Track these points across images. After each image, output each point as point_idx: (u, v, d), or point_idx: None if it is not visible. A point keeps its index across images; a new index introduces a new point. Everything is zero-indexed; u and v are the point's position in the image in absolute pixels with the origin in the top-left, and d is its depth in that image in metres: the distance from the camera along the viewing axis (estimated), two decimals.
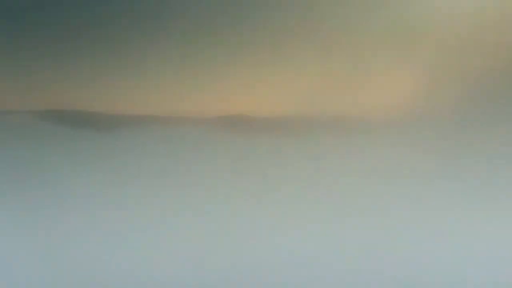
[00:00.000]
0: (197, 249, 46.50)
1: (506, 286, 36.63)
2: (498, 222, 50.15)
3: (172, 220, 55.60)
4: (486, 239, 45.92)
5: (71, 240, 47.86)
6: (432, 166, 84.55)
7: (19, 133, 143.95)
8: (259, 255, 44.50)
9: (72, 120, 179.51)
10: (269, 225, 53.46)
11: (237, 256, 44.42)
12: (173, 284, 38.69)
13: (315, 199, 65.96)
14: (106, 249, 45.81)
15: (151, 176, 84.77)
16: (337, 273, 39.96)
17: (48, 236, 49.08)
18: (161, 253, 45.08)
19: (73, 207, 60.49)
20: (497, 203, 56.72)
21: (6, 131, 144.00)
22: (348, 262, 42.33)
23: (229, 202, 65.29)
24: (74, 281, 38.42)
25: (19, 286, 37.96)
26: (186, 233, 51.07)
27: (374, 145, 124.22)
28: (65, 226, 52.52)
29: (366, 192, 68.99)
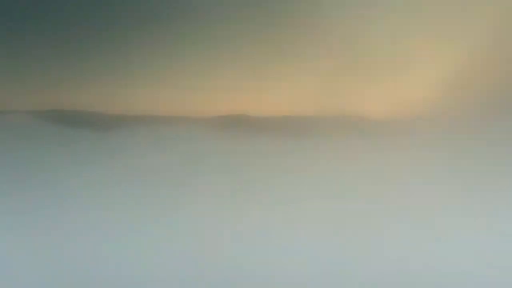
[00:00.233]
0: (197, 249, 46.48)
1: None
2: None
3: (172, 220, 55.58)
4: (500, 241, 45.66)
5: (71, 240, 47.82)
6: (436, 167, 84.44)
7: (19, 133, 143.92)
8: (259, 255, 44.47)
9: (72, 120, 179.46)
10: (269, 225, 53.41)
11: (237, 256, 44.40)
12: (173, 284, 38.65)
13: (315, 199, 65.91)
14: (106, 249, 45.78)
15: (152, 176, 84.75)
16: (338, 273, 39.93)
17: (48, 236, 49.05)
18: (162, 253, 45.04)
19: (73, 207, 60.45)
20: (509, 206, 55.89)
21: (6, 131, 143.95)
22: (348, 263, 42.27)
23: (229, 202, 65.25)
24: (74, 281, 38.38)
25: (19, 286, 37.91)
26: (186, 233, 51.05)
27: (374, 146, 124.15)
28: (65, 226, 52.49)
29: (367, 192, 68.93)
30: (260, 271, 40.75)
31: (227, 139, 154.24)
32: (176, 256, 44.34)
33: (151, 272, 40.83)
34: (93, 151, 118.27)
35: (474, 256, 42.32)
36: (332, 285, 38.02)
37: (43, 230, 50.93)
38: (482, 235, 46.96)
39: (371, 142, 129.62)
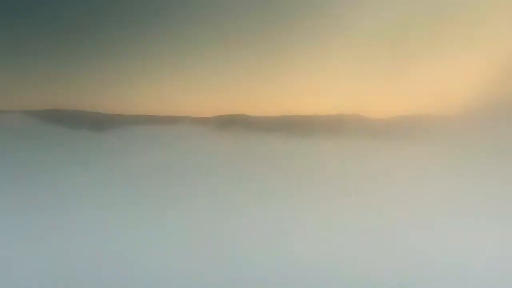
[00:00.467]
0: (197, 249, 46.40)
1: None
2: None
3: (172, 220, 55.51)
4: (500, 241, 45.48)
5: (71, 240, 47.74)
6: (439, 167, 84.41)
7: (19, 133, 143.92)
8: (258, 255, 44.38)
9: (72, 120, 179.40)
10: (269, 225, 53.34)
11: (236, 256, 44.32)
12: (173, 284, 38.57)
13: (316, 199, 65.86)
14: (106, 249, 45.70)
15: (151, 176, 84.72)
16: (338, 273, 39.83)
17: (48, 236, 48.96)
18: (162, 253, 44.98)
19: (73, 207, 60.37)
20: None
21: (6, 131, 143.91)
22: (348, 263, 42.20)
23: (229, 202, 65.21)
24: (74, 281, 38.29)
25: (19, 286, 37.82)
26: (186, 233, 50.97)
27: (375, 146, 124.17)
28: (64, 225, 52.40)
29: (367, 192, 68.88)
30: (260, 271, 40.65)
31: (227, 139, 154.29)
32: (176, 256, 44.28)
33: (151, 272, 40.75)
34: (93, 151, 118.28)
35: (475, 256, 42.20)
36: (332, 285, 37.93)
37: (43, 230, 50.87)
38: (483, 236, 46.85)
39: (372, 142, 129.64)
